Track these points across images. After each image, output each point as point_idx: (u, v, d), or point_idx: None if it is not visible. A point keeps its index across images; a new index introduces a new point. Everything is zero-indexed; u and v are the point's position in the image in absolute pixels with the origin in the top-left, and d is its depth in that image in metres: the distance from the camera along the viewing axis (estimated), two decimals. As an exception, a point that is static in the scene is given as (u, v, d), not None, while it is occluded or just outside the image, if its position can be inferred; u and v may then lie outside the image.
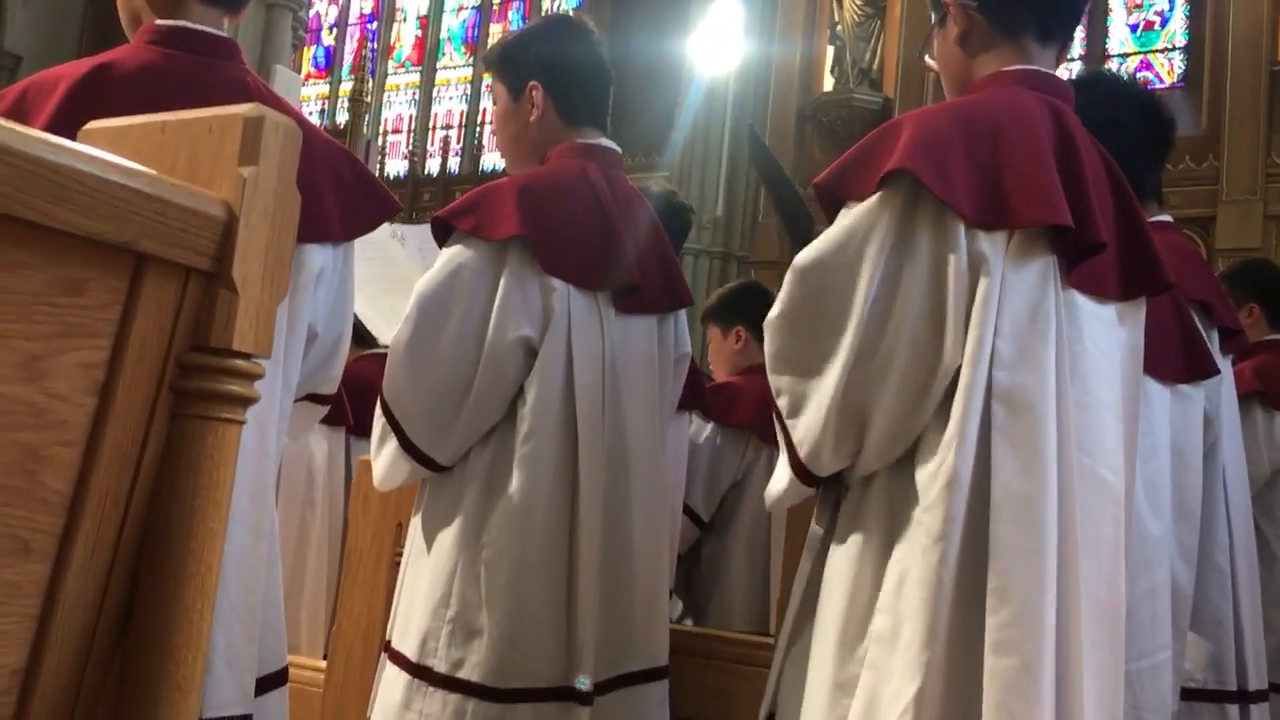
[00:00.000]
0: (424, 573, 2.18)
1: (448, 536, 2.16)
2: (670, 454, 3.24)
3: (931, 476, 1.60)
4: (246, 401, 0.87)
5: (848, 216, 1.68)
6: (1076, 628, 1.60)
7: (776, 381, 1.72)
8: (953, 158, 1.64)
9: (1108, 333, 1.76)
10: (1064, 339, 1.66)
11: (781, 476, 1.76)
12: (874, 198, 1.65)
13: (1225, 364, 2.81)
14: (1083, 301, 1.73)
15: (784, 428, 1.73)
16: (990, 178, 1.65)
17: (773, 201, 2.23)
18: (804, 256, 1.66)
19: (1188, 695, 2.62)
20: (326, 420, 3.96)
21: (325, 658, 2.86)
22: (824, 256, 1.65)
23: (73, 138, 0.87)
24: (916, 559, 1.58)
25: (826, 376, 1.65)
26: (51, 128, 1.69)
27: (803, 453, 1.69)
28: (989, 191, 1.64)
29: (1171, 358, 2.39)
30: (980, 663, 1.54)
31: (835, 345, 1.63)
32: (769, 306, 1.62)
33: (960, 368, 1.61)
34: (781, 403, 1.72)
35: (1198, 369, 2.46)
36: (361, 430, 3.71)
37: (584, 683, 2.10)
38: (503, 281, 2.16)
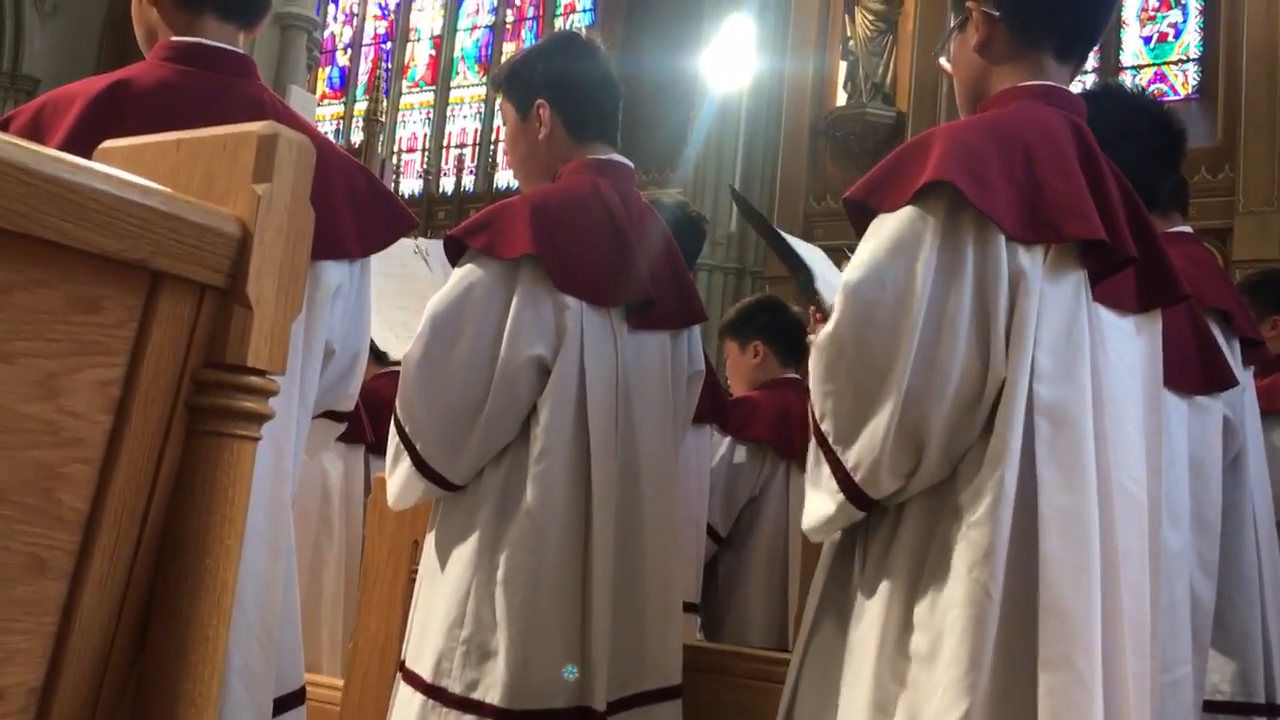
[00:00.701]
0: (438, 593, 2.17)
1: (461, 556, 2.16)
2: (694, 467, 3.24)
3: (979, 493, 1.59)
4: (262, 418, 0.87)
5: (884, 227, 1.66)
6: (1121, 641, 1.60)
7: (823, 405, 1.69)
8: (989, 172, 1.64)
9: (1128, 345, 1.76)
10: (1096, 353, 1.67)
11: (825, 503, 1.71)
12: (911, 209, 1.65)
13: (1247, 375, 2.79)
14: (1105, 315, 1.73)
15: (830, 453, 1.69)
16: (1027, 192, 1.65)
17: (775, 252, 2.21)
18: (854, 274, 1.65)
19: (1215, 708, 2.60)
20: (344, 438, 3.97)
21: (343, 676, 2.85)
22: (874, 273, 1.63)
23: (89, 154, 0.88)
24: (962, 576, 1.56)
25: (884, 395, 1.62)
26: (68, 144, 1.69)
27: (859, 476, 1.66)
28: (1027, 206, 1.65)
29: (1189, 369, 2.38)
30: (1028, 679, 1.53)
31: (890, 363, 1.61)
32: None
33: (1004, 381, 1.61)
34: (828, 427, 1.69)
35: (1216, 380, 2.44)
36: (381, 448, 3.71)
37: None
38: (515, 300, 2.15)
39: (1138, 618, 1.68)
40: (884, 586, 1.66)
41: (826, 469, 1.70)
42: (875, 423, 1.63)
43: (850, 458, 1.66)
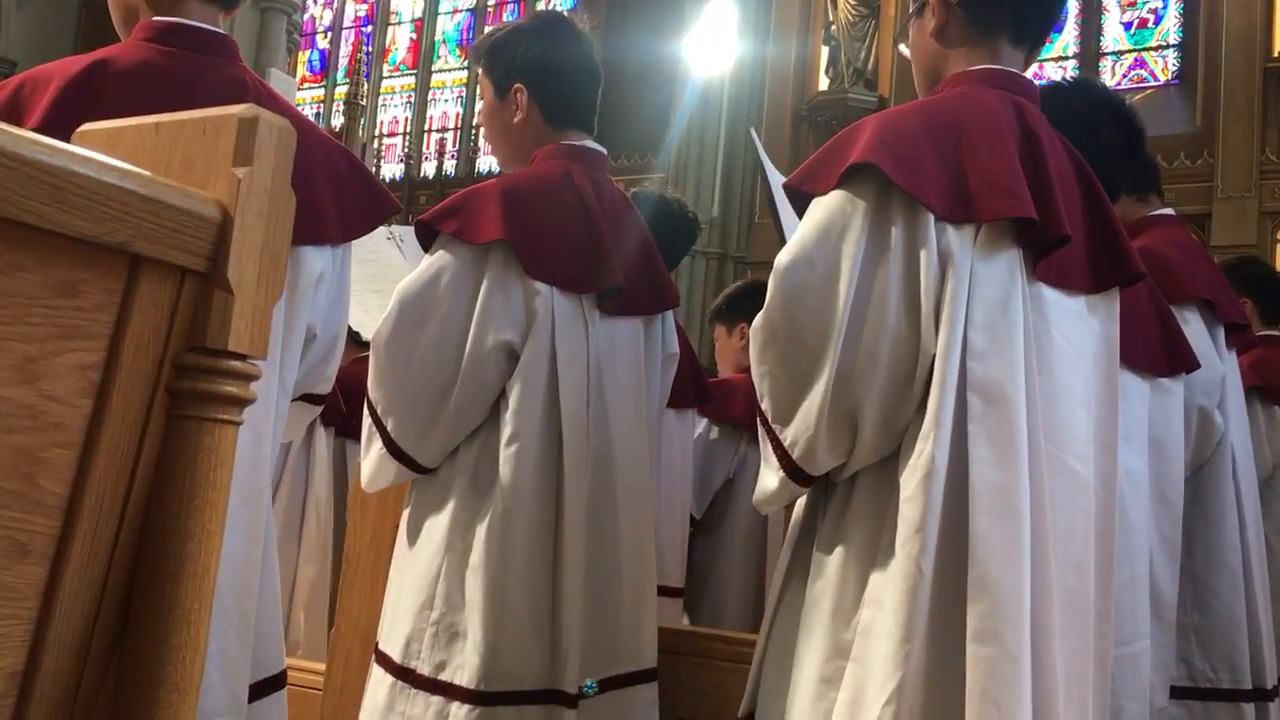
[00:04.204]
0: (408, 574, 2.18)
1: (432, 538, 2.16)
2: (678, 452, 3.24)
3: (911, 469, 1.61)
4: (243, 402, 0.87)
5: (816, 211, 1.69)
6: (1049, 615, 1.61)
7: (761, 385, 1.73)
8: (918, 154, 1.66)
9: (1077, 325, 1.77)
10: (1030, 331, 1.68)
11: (770, 478, 1.76)
12: (841, 193, 1.68)
13: (1231, 358, 2.81)
14: (1050, 294, 1.74)
15: (770, 431, 1.73)
16: (956, 173, 1.67)
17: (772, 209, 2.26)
18: (783, 257, 1.68)
19: (1203, 695, 2.62)
20: (329, 425, 3.97)
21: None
22: (803, 254, 1.66)
23: (66, 134, 0.87)
24: (898, 551, 1.59)
25: (816, 375, 1.66)
26: (45, 124, 1.68)
27: (796, 453, 1.70)
28: (955, 186, 1.67)
29: (1152, 351, 2.41)
30: (960, 652, 1.55)
31: (822, 343, 1.64)
32: None
33: (934, 358, 1.63)
34: (766, 406, 1.73)
35: (1178, 363, 2.47)
36: (359, 434, 3.70)
37: (591, 686, 2.10)
38: (484, 285, 2.15)
39: (1080, 596, 1.69)
40: (839, 552, 1.68)
41: (769, 445, 1.74)
42: (809, 402, 1.67)
43: (788, 435, 1.70)
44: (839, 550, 1.68)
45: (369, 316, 3.15)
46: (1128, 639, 2.27)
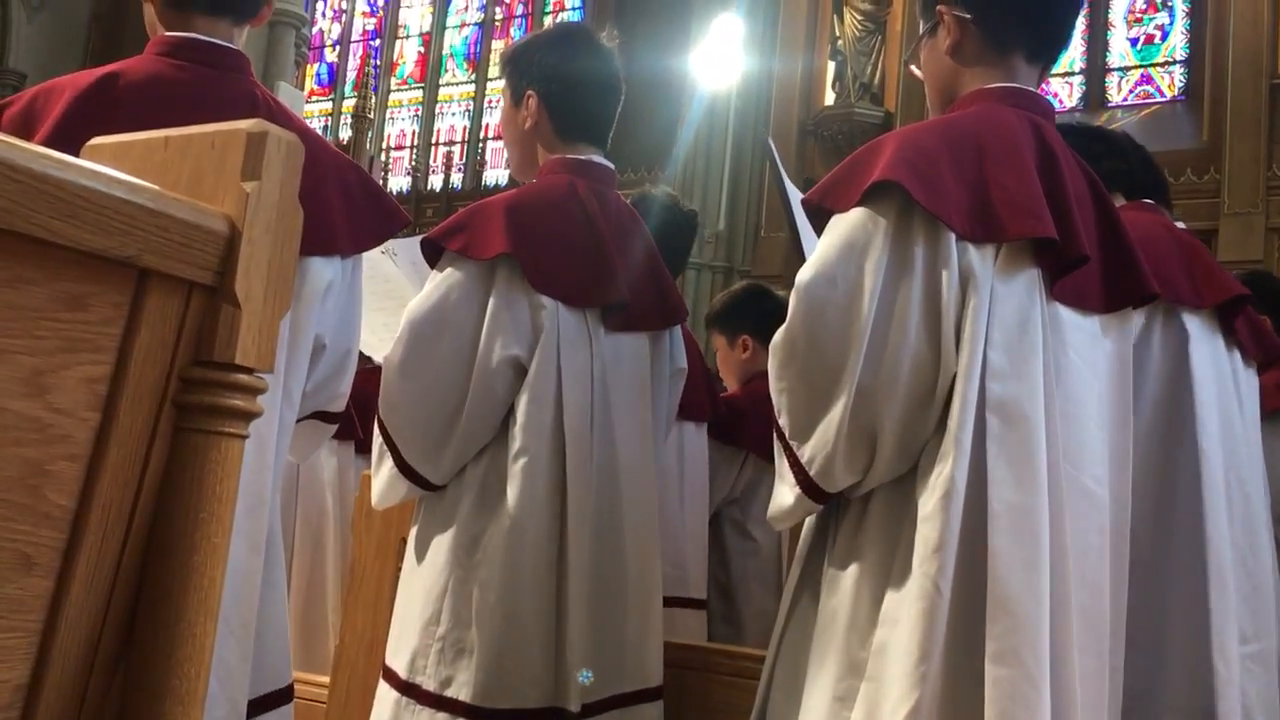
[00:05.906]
0: (415, 590, 2.18)
1: (439, 554, 2.16)
2: (699, 465, 3.23)
3: (929, 488, 1.61)
4: (249, 416, 0.87)
5: (838, 228, 1.69)
6: (1068, 636, 1.61)
7: (779, 401, 1.73)
8: (939, 172, 1.66)
9: (1092, 345, 1.78)
10: (1049, 351, 1.69)
11: (786, 495, 1.76)
12: (863, 210, 1.68)
13: None
14: (1066, 314, 1.74)
15: (787, 447, 1.73)
16: (977, 192, 1.68)
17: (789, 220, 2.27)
18: (804, 273, 1.68)
19: None
20: (335, 435, 3.96)
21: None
22: (824, 271, 1.66)
23: (76, 146, 0.87)
24: (915, 570, 1.58)
25: (836, 392, 1.65)
26: (54, 136, 1.69)
27: (813, 470, 1.69)
28: (976, 205, 1.67)
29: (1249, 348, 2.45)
30: (978, 673, 1.54)
31: (842, 360, 1.64)
32: (774, 309, 1.66)
33: (955, 377, 1.63)
34: (784, 422, 1.73)
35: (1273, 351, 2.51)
36: (367, 446, 3.69)
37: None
38: (491, 301, 2.15)
39: (1095, 615, 1.69)
40: (853, 569, 1.68)
41: (786, 462, 1.74)
42: (828, 419, 1.66)
43: (805, 452, 1.70)
44: (853, 567, 1.68)
45: (375, 337, 3.14)
46: (1253, 636, 2.29)
